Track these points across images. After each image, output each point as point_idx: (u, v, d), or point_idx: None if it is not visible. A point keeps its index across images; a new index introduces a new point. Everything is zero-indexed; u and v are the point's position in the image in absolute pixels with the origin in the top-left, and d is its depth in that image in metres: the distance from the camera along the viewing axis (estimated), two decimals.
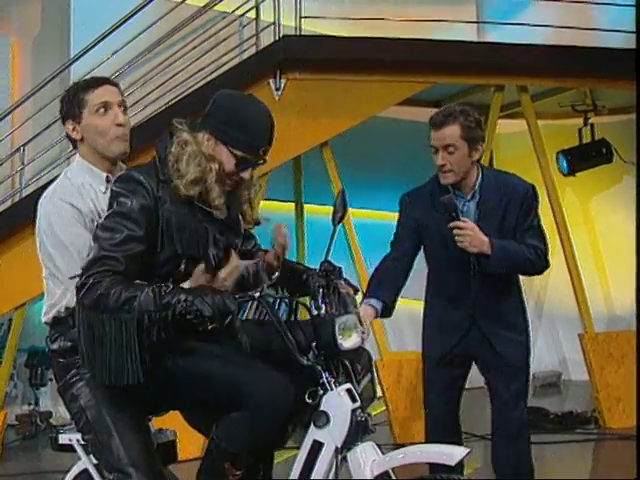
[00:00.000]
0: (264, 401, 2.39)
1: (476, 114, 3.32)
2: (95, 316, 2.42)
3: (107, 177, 2.71)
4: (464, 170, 3.28)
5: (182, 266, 2.54)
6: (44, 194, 2.72)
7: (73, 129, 2.73)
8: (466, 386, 3.56)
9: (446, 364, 3.42)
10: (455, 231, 3.22)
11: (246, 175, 2.56)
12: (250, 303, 2.59)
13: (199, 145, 2.53)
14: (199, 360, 2.50)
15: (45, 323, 2.72)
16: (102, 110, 2.68)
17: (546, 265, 3.40)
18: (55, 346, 2.70)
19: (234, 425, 2.45)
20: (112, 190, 2.55)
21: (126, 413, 2.61)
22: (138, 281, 2.44)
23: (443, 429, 3.41)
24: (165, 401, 2.64)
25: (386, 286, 3.33)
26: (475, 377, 3.62)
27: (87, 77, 2.89)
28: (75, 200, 2.65)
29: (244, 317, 2.62)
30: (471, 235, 3.21)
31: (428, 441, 3.38)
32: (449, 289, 3.43)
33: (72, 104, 2.72)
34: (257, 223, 2.76)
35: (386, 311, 3.30)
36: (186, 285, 2.51)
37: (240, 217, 2.73)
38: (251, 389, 2.40)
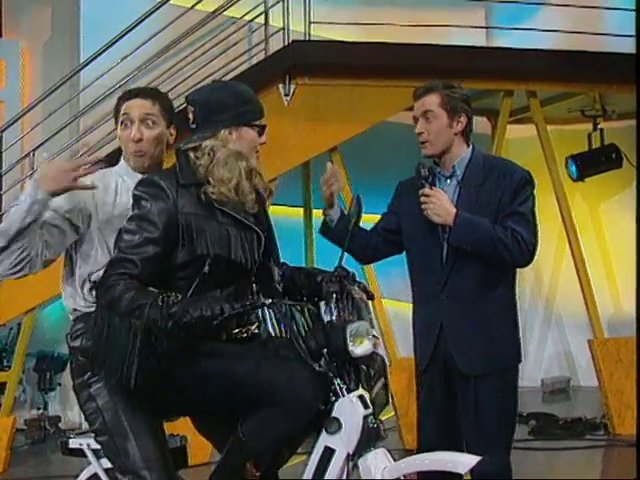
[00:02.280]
0: (294, 399, 2.40)
1: (462, 89, 3.16)
2: (108, 316, 2.47)
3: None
4: (443, 142, 3.09)
5: (206, 267, 2.55)
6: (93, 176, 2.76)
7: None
8: None
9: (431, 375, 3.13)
10: (422, 199, 3.03)
11: (264, 140, 2.70)
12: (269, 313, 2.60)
13: (226, 144, 2.60)
14: (229, 361, 2.51)
15: (75, 320, 2.75)
16: (124, 124, 2.77)
17: (529, 257, 3.05)
18: (77, 343, 2.71)
19: (263, 423, 2.45)
20: (134, 194, 2.60)
21: (143, 416, 2.62)
22: (151, 288, 2.47)
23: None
24: (184, 405, 2.64)
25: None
26: None
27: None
28: (117, 197, 2.74)
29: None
30: (435, 203, 3.01)
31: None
32: (421, 285, 3.19)
33: (115, 110, 2.83)
34: (271, 193, 2.75)
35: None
36: None
37: (264, 218, 2.76)
38: (281, 387, 2.41)
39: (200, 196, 2.57)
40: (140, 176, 2.74)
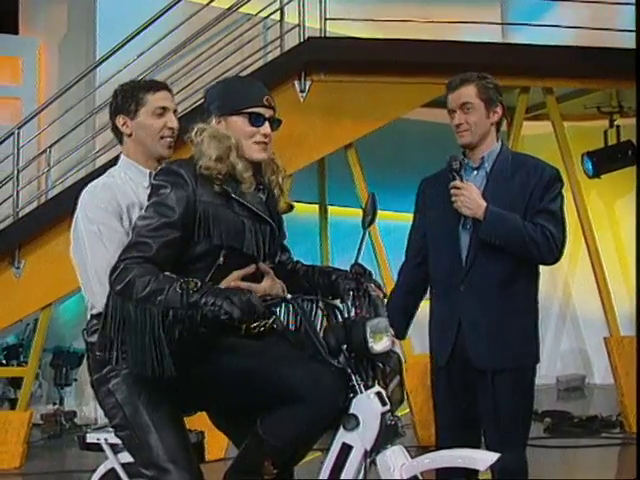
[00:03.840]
0: (316, 397, 2.39)
1: (494, 80, 3.15)
2: (123, 302, 2.42)
3: (150, 173, 2.75)
4: (481, 132, 3.09)
5: (221, 258, 2.55)
6: (86, 189, 2.77)
7: (124, 123, 2.79)
8: None
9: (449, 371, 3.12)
10: (452, 191, 3.03)
11: (267, 129, 2.63)
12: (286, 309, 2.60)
13: (213, 127, 2.62)
14: (249, 357, 2.50)
15: (91, 315, 2.73)
16: (160, 112, 2.77)
17: (557, 254, 3.05)
18: (93, 339, 2.68)
19: (283, 419, 2.44)
20: (152, 184, 2.61)
21: (163, 410, 2.60)
22: (168, 273, 2.43)
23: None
24: (203, 399, 2.64)
25: (398, 318, 3.13)
26: None
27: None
28: (114, 193, 2.70)
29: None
30: (466, 195, 3.01)
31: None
32: (440, 279, 3.16)
33: (129, 100, 2.78)
34: (290, 208, 2.78)
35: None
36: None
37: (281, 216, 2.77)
38: (302, 384, 2.40)
39: (215, 187, 2.58)
40: (144, 170, 2.76)
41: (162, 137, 2.77)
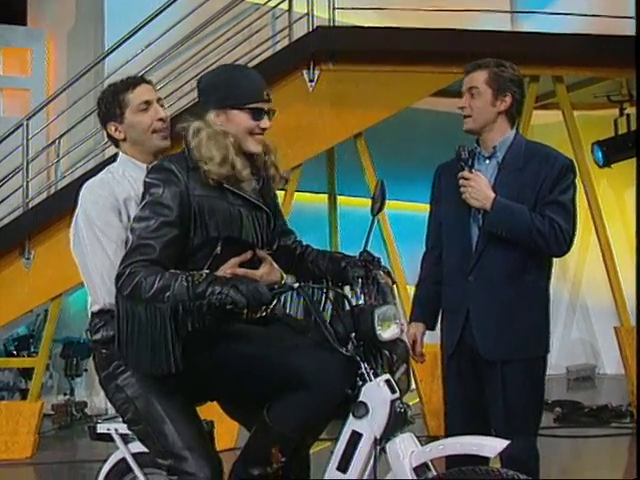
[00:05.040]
0: (322, 383, 2.40)
1: (513, 68, 3.12)
2: (132, 305, 2.46)
3: (147, 167, 2.74)
4: (485, 118, 3.07)
5: (218, 248, 2.57)
6: (85, 185, 2.78)
7: (115, 129, 2.80)
8: None
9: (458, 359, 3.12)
10: (461, 181, 3.02)
11: (266, 124, 2.64)
12: (291, 297, 2.60)
13: (211, 126, 2.60)
14: (255, 343, 2.52)
15: (92, 313, 2.74)
16: (144, 107, 2.76)
17: (566, 247, 3.02)
18: (98, 336, 2.71)
19: (289, 406, 2.45)
20: (145, 182, 2.60)
21: (175, 400, 2.62)
22: (172, 270, 2.46)
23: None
24: (212, 389, 2.65)
25: (429, 308, 3.22)
26: None
27: (119, 74, 2.94)
28: (112, 188, 2.70)
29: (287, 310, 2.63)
30: (474, 186, 2.99)
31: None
32: (450, 267, 3.15)
33: (112, 105, 2.79)
34: (286, 180, 2.81)
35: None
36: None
37: (276, 203, 2.78)
38: (309, 371, 2.40)
39: (208, 179, 2.58)
40: (142, 165, 2.76)
41: (154, 131, 2.77)
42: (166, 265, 2.48)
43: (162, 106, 2.81)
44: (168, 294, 2.40)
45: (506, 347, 3.03)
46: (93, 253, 2.66)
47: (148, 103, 2.76)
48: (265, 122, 2.64)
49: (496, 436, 2.92)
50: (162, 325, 2.42)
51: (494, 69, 3.09)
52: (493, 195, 2.99)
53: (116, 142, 2.84)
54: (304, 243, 2.91)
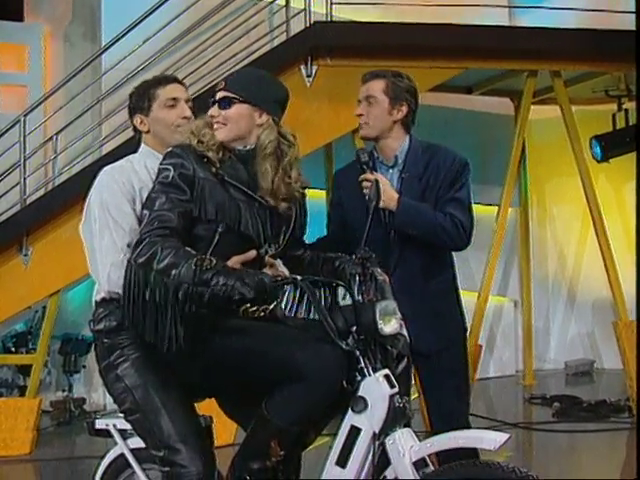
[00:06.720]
0: (318, 375, 2.41)
1: (410, 81, 3.27)
2: (141, 275, 2.48)
3: None
4: (381, 126, 3.19)
5: (216, 237, 2.60)
6: (103, 169, 2.84)
7: (141, 122, 2.90)
8: (496, 374, 3.49)
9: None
10: (363, 184, 3.09)
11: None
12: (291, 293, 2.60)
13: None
14: (252, 337, 2.53)
15: (95, 302, 2.77)
16: (171, 104, 2.87)
17: (467, 240, 3.16)
18: (100, 326, 2.73)
19: (287, 399, 2.46)
20: (159, 168, 2.67)
21: (174, 392, 2.65)
22: (188, 248, 2.49)
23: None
24: (210, 383, 2.66)
25: None
26: (507, 364, 3.56)
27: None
28: (129, 176, 2.77)
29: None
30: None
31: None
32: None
33: (142, 98, 2.90)
34: (305, 186, 2.91)
35: None
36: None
37: (291, 206, 2.80)
38: (305, 363, 2.41)
39: (212, 169, 2.64)
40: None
41: (178, 127, 2.85)
42: (183, 237, 2.53)
43: (191, 108, 2.91)
44: (175, 272, 2.42)
45: (434, 339, 3.17)
46: (101, 236, 2.71)
47: (176, 100, 2.88)
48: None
49: (431, 424, 3.23)
50: (165, 301, 2.44)
51: (391, 79, 3.23)
52: (397, 195, 3.09)
53: (140, 135, 2.92)
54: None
